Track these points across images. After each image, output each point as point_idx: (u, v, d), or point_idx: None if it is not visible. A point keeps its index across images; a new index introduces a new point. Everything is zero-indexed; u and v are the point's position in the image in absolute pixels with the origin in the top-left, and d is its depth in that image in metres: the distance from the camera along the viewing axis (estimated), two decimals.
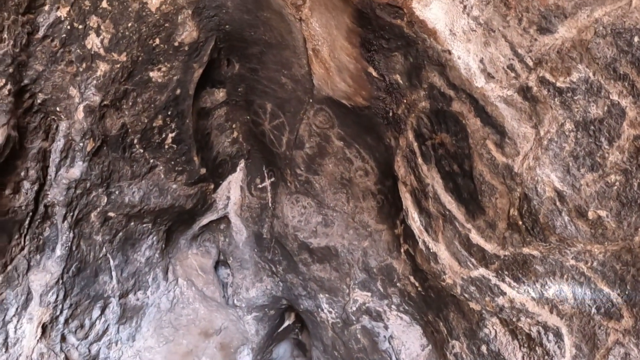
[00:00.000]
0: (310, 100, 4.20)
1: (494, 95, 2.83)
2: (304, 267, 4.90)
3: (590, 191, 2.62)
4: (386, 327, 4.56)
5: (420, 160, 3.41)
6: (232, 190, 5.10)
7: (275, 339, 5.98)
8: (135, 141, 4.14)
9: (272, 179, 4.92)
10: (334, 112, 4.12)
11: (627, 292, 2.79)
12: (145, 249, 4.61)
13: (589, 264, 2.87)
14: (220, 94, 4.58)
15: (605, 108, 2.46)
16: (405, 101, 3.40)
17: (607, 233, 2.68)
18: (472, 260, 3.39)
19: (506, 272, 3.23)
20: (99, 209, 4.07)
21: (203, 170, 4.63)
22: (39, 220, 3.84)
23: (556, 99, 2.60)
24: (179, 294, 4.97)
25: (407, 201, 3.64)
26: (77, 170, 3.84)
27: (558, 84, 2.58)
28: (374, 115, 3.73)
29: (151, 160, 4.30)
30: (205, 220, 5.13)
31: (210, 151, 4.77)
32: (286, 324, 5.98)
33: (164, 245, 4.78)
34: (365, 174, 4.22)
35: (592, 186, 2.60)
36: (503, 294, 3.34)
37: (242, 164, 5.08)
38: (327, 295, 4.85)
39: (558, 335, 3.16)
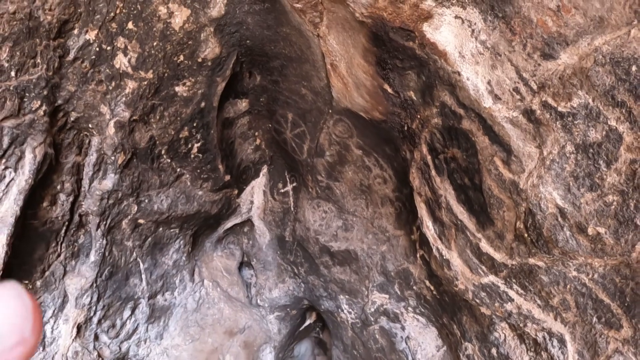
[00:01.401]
0: (330, 111, 4.50)
1: (500, 116, 3.09)
2: (325, 270, 5.24)
3: (589, 209, 2.87)
4: (403, 328, 4.88)
5: (433, 172, 3.69)
6: (255, 195, 5.46)
7: (296, 337, 6.36)
8: (163, 152, 4.49)
9: (294, 184, 5.26)
10: (353, 122, 4.41)
11: (626, 304, 3.04)
12: (172, 253, 5.01)
13: (590, 275, 3.12)
14: (243, 104, 4.92)
15: (604, 132, 2.70)
16: (419, 117, 3.68)
17: (606, 248, 2.94)
18: (483, 267, 3.67)
19: (514, 280, 3.51)
20: (129, 217, 4.45)
21: (227, 177, 4.99)
22: (74, 229, 4.22)
23: (558, 122, 2.85)
24: (204, 295, 5.37)
25: (422, 210, 3.93)
26: (109, 182, 4.20)
27: (560, 109, 2.83)
28: (390, 129, 4.02)
29: (178, 169, 4.66)
30: (229, 224, 5.50)
31: (234, 159, 5.12)
32: (307, 322, 6.34)
33: (190, 249, 5.17)
34: (384, 182, 4.52)
35: (591, 205, 2.86)
36: (511, 300, 3.62)
37: (264, 169, 5.43)
38: (347, 296, 5.18)
39: (562, 341, 3.43)
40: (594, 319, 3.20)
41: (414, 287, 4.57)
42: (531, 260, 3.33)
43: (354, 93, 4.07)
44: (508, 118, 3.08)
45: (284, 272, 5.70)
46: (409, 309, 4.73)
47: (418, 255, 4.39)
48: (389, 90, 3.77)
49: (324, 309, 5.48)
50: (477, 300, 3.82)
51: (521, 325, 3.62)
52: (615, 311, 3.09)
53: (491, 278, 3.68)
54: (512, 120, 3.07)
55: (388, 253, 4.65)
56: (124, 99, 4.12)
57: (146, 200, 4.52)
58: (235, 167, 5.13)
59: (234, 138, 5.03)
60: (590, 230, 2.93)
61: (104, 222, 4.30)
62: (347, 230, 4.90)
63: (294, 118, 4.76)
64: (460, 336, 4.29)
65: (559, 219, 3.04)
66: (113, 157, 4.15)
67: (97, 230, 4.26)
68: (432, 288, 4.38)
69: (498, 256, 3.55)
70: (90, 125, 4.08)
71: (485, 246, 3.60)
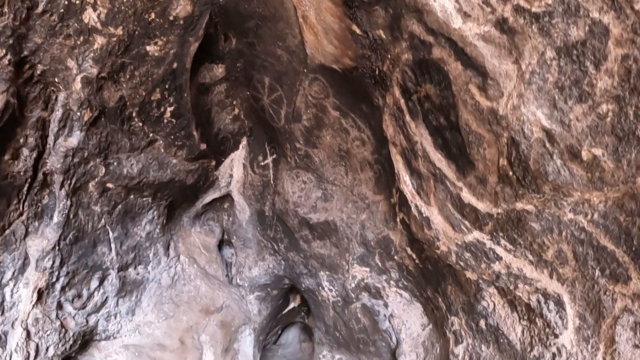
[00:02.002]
0: (305, 70, 3.95)
1: (471, 34, 2.53)
2: (304, 244, 4.61)
3: (581, 126, 2.26)
4: (386, 305, 4.20)
5: (407, 117, 3.09)
6: (234, 168, 4.88)
7: (280, 321, 5.68)
8: (134, 114, 4.00)
9: (274, 156, 4.68)
10: (328, 80, 3.86)
11: (633, 249, 2.38)
12: (145, 224, 4.43)
13: (589, 216, 2.47)
14: (219, 70, 4.40)
15: (587, 28, 2.12)
16: (389, 56, 3.11)
17: (605, 176, 2.30)
18: (466, 222, 3.03)
19: (501, 234, 2.86)
20: (97, 179, 3.93)
21: (203, 146, 4.44)
22: (37, 188, 3.74)
23: (534, 26, 2.28)
24: (180, 271, 4.75)
25: (399, 163, 3.32)
26: (74, 139, 3.74)
27: (533, 9, 2.27)
28: (362, 77, 3.46)
29: (150, 135, 4.14)
30: (208, 198, 4.92)
31: (211, 127, 4.58)
32: (291, 306, 5.67)
33: (165, 221, 4.59)
34: (362, 144, 3.92)
35: (582, 120, 2.24)
36: (499, 259, 2.95)
37: (244, 141, 4.87)
38: (327, 272, 4.53)
39: (559, 303, 2.74)
40: (597, 273, 2.54)
41: (395, 257, 3.91)
42: (519, 205, 2.69)
43: (324, 40, 3.54)
44: (480, 35, 2.52)
45: (264, 249, 5.08)
46: (391, 282, 4.06)
47: (398, 220, 3.76)
48: (358, 31, 3.24)
49: (305, 288, 4.83)
50: (462, 264, 3.17)
51: (511, 287, 2.95)
52: (622, 259, 2.43)
53: (475, 234, 3.04)
54: (484, 36, 2.51)
55: (368, 221, 4.02)
56: (92, 54, 3.74)
57: (115, 163, 3.98)
58: (212, 136, 4.59)
59: (210, 105, 4.50)
60: (584, 154, 2.30)
61: (68, 182, 3.79)
62: (327, 201, 4.29)
63: (271, 82, 4.22)
64: (445, 310, 3.62)
65: (547, 144, 2.41)
66: (79, 113, 3.70)
67: (60, 189, 3.76)
68: (414, 256, 3.73)
69: (482, 206, 2.91)
70: (56, 80, 3.72)
71: (467, 196, 2.97)
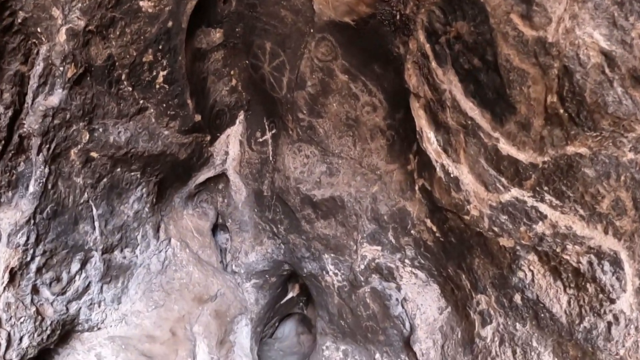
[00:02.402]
0: (312, 30, 3.58)
1: None
2: (307, 225, 4.17)
3: None
4: (399, 288, 3.77)
5: (434, 64, 2.72)
6: (230, 145, 4.44)
7: (277, 311, 5.19)
8: (123, 77, 3.54)
9: (274, 131, 4.27)
10: (337, 39, 3.48)
11: None
12: (133, 202, 3.93)
13: None
14: (217, 35, 3.99)
15: None
16: None
17: None
18: (502, 179, 2.65)
19: (546, 188, 2.47)
20: (79, 146, 3.44)
21: (198, 117, 4.00)
22: (12, 152, 3.22)
23: None
24: (171, 255, 4.26)
25: (421, 120, 2.93)
26: (55, 97, 3.25)
27: None
28: (379, 26, 3.09)
29: (141, 101, 3.69)
30: (201, 177, 4.45)
31: (206, 98, 4.14)
32: (290, 295, 5.20)
33: (154, 200, 4.10)
34: (373, 109, 3.54)
35: None
36: (543, 218, 2.56)
37: (241, 116, 4.43)
38: (332, 254, 4.10)
39: (616, 262, 2.36)
40: None
41: (412, 232, 3.51)
42: (570, 149, 2.33)
43: None
44: None
45: (261, 233, 4.62)
46: (406, 261, 3.65)
47: (417, 187, 3.37)
48: None
49: (307, 273, 4.38)
50: (496, 229, 2.78)
51: (557, 250, 2.56)
52: None
53: (514, 192, 2.65)
54: None
55: (380, 193, 3.63)
56: (79, 4, 3.31)
57: (100, 130, 3.52)
58: (207, 108, 4.15)
59: (206, 74, 4.08)
60: None
61: (47, 146, 3.29)
62: (332, 175, 3.89)
63: (273, 47, 3.83)
64: (469, 288, 3.21)
65: (606, 70, 2.06)
66: (62, 69, 3.23)
67: (38, 154, 3.27)
68: (434, 229, 3.33)
69: (523, 156, 2.53)
70: (39, 30, 3.25)
71: (504, 147, 2.60)
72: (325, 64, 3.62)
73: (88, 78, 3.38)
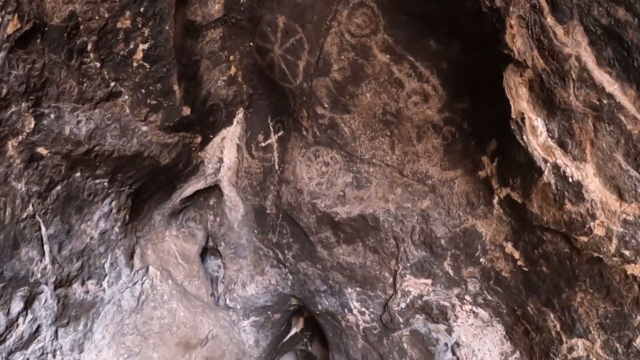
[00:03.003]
0: None
1: None
2: (324, 251, 3.20)
3: None
4: (450, 331, 2.84)
5: (549, 19, 1.85)
6: (226, 150, 3.44)
7: (279, 351, 4.12)
8: (89, 46, 2.53)
9: (281, 133, 3.31)
10: (381, 4, 2.59)
11: None
12: (98, 219, 2.86)
13: None
14: (215, 7, 3.03)
15: None
16: None
17: None
18: None
19: None
20: (21, 137, 2.38)
21: (187, 111, 3.00)
22: None
23: None
24: (148, 288, 3.19)
25: (522, 102, 2.04)
26: None
27: None
28: None
29: (112, 83, 2.68)
30: (188, 190, 3.41)
31: (198, 87, 3.16)
32: (293, 332, 4.16)
33: (127, 217, 3.04)
34: (425, 99, 2.65)
35: None
36: None
37: (240, 114, 3.45)
38: (358, 288, 3.12)
39: None
40: None
41: (481, 260, 2.61)
42: None
43: None
44: None
45: (263, 260, 3.60)
46: (466, 298, 2.74)
47: (495, 200, 2.46)
48: None
49: (321, 310, 3.40)
50: (626, 253, 1.91)
51: None
52: None
53: None
54: None
55: (434, 210, 2.71)
56: None
57: (52, 116, 2.48)
58: (199, 100, 3.18)
59: (200, 56, 3.11)
60: None
61: None
62: (361, 188, 2.96)
63: (287, 22, 2.91)
64: (559, 330, 2.30)
65: None
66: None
67: None
68: (515, 256, 2.44)
69: None
70: None
71: None
72: (360, 41, 2.71)
73: (38, 41, 2.35)
